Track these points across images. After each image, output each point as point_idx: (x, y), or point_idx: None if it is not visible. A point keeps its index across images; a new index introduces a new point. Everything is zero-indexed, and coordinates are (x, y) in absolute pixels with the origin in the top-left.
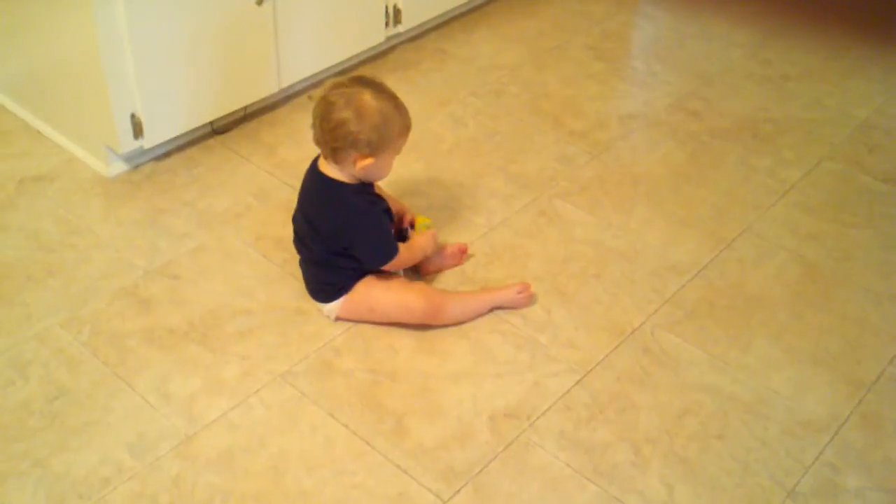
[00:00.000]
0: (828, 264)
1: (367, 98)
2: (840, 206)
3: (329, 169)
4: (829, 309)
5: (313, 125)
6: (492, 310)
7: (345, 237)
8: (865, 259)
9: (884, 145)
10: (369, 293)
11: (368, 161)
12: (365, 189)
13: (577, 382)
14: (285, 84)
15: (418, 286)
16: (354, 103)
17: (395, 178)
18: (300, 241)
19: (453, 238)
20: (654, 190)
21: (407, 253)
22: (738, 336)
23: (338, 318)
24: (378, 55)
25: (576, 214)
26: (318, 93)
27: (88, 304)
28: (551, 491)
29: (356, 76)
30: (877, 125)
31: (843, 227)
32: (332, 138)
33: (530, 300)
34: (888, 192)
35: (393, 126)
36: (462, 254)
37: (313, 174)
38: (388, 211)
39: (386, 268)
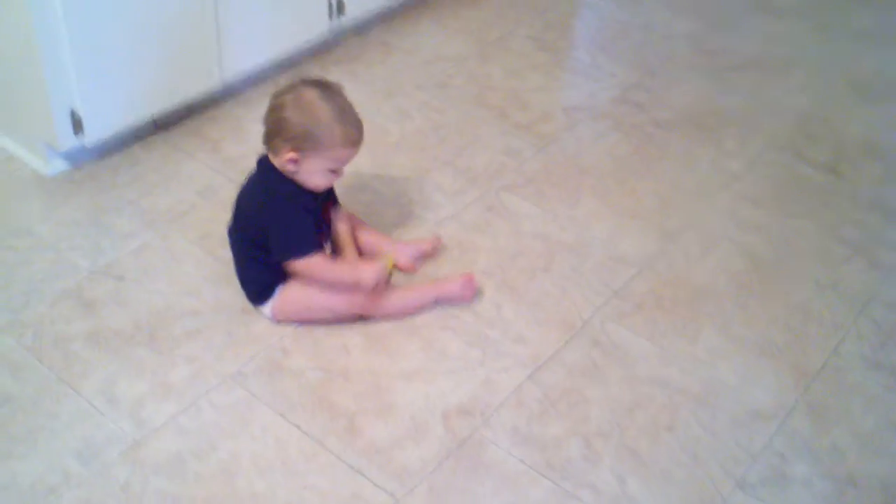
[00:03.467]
0: (771, 254)
1: (311, 94)
2: (781, 196)
3: (271, 156)
4: (774, 299)
5: None
6: (436, 302)
7: (262, 217)
8: (807, 248)
9: (822, 135)
10: (305, 290)
11: (292, 155)
12: (298, 187)
13: (529, 377)
14: (228, 78)
15: None
16: (297, 93)
17: None
18: (228, 230)
19: (406, 235)
20: (600, 182)
21: (330, 265)
22: (686, 327)
23: (278, 321)
24: (322, 48)
25: (523, 208)
26: None
27: (30, 307)
28: (505, 487)
29: (322, 79)
30: (815, 115)
31: (785, 217)
32: (267, 120)
33: (474, 292)
34: (827, 181)
35: (326, 130)
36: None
37: (258, 159)
38: (317, 217)
39: (300, 268)
